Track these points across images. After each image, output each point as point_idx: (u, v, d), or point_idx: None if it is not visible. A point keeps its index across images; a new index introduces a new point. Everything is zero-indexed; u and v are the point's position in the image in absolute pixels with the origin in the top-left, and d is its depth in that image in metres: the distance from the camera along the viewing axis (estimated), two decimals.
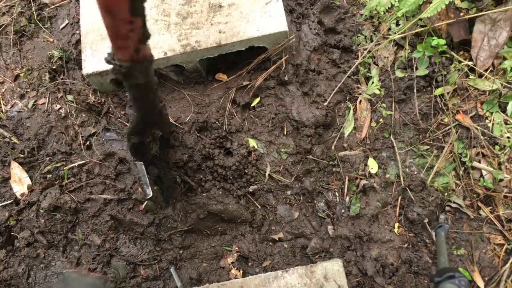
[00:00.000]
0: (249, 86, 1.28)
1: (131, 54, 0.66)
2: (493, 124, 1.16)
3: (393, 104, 1.25)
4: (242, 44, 1.17)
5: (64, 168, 1.26)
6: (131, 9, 0.57)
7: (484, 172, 1.14)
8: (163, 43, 1.19)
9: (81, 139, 1.29)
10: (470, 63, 1.19)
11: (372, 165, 1.21)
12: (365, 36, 1.32)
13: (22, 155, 1.29)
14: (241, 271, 1.18)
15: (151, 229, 1.21)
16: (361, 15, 1.34)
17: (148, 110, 0.88)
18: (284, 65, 1.25)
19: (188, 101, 1.31)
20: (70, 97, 1.35)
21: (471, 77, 1.19)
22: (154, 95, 0.84)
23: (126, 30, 0.61)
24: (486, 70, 1.18)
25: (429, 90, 1.23)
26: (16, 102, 1.38)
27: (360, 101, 1.27)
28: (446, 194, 1.16)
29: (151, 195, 1.02)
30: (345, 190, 1.20)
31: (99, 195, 1.23)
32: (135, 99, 0.83)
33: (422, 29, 1.22)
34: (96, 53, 1.23)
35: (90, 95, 1.32)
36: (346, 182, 1.21)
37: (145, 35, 0.65)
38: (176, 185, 1.20)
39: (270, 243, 1.21)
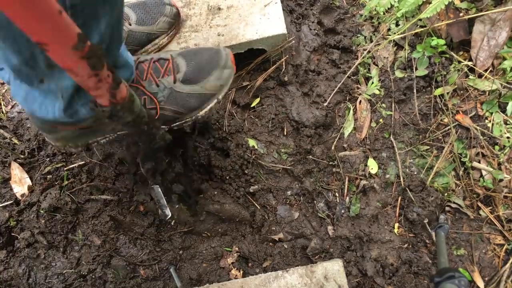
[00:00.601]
0: (248, 87, 1.28)
1: (108, 99, 0.67)
2: (492, 124, 1.17)
3: (393, 105, 1.25)
4: (241, 47, 1.17)
5: (65, 169, 1.26)
6: (90, 66, 0.58)
7: (484, 172, 1.14)
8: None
9: None
10: (469, 63, 1.19)
11: (372, 166, 1.21)
12: (365, 37, 1.32)
13: (22, 156, 1.29)
14: (241, 272, 1.18)
15: (151, 230, 1.21)
16: (361, 15, 1.34)
17: (149, 140, 0.88)
18: (283, 65, 1.25)
19: None
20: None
21: (470, 77, 1.19)
22: (149, 126, 0.84)
23: (93, 83, 0.62)
24: (485, 70, 1.18)
25: (429, 90, 1.23)
26: (16, 103, 1.38)
27: (360, 101, 1.27)
28: (446, 194, 1.16)
29: (170, 215, 1.02)
30: (345, 191, 1.21)
31: (99, 196, 1.23)
32: (132, 134, 0.83)
33: (422, 29, 1.22)
34: None
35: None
36: (346, 182, 1.21)
37: (116, 82, 0.66)
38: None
39: (270, 243, 1.21)
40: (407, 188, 1.17)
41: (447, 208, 1.15)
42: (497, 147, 1.15)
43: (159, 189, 1.00)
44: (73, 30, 0.52)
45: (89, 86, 0.63)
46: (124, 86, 0.70)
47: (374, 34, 1.31)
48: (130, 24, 1.10)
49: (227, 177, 1.20)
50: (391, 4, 1.24)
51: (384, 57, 1.28)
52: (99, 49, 0.59)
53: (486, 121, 1.18)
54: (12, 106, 1.38)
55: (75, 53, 0.54)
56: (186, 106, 0.95)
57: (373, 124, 1.25)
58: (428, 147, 1.21)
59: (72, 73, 0.59)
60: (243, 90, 1.29)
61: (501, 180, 1.12)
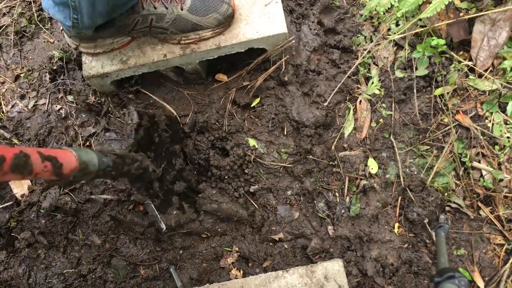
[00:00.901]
0: (249, 87, 1.28)
1: (57, 179, 0.71)
2: (493, 124, 1.17)
3: (393, 104, 1.25)
4: (241, 46, 1.17)
5: None
6: (18, 174, 0.62)
7: (484, 172, 1.14)
8: (162, 46, 1.19)
9: (81, 139, 1.29)
10: (470, 63, 1.19)
11: (372, 165, 1.21)
12: (365, 37, 1.32)
13: None
14: (241, 272, 1.18)
15: (151, 229, 1.21)
16: (361, 15, 1.34)
17: (126, 171, 0.91)
18: (284, 65, 1.25)
19: (188, 101, 1.31)
20: (70, 98, 1.35)
21: (470, 77, 1.19)
22: (118, 170, 0.87)
23: (32, 177, 0.65)
24: (486, 70, 1.18)
25: (429, 90, 1.23)
26: (16, 102, 1.38)
27: (360, 101, 1.27)
28: (446, 194, 1.16)
29: (164, 228, 1.07)
30: (345, 191, 1.21)
31: (99, 196, 1.23)
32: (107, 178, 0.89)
33: (422, 29, 1.22)
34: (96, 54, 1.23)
35: (90, 95, 1.33)
36: (346, 182, 1.21)
37: (56, 167, 0.69)
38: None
39: (270, 243, 1.21)
40: (407, 188, 1.17)
41: (447, 208, 1.15)
42: (497, 147, 1.15)
43: (152, 205, 1.05)
44: None
45: (31, 179, 0.65)
46: (72, 158, 0.73)
47: (374, 34, 1.31)
48: (181, 9, 1.09)
49: (226, 177, 1.21)
50: (391, 4, 1.24)
51: (384, 57, 1.28)
52: (22, 157, 0.61)
53: (486, 121, 1.18)
54: (12, 106, 1.38)
55: None
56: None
57: (373, 124, 1.25)
58: (428, 147, 1.21)
59: (8, 179, 0.61)
60: (243, 90, 1.29)
61: (501, 180, 1.12)
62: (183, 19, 1.10)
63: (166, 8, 1.09)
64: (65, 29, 1.14)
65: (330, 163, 1.23)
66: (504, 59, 1.17)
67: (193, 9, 1.10)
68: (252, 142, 1.25)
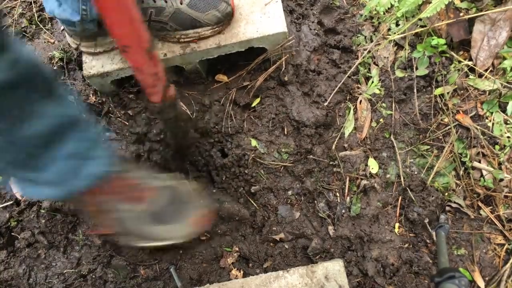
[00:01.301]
0: (249, 87, 1.28)
1: (160, 97, 0.81)
2: (493, 124, 1.17)
3: (393, 104, 1.25)
4: (241, 45, 1.18)
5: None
6: (155, 65, 0.73)
7: (484, 172, 1.14)
8: (162, 45, 1.19)
9: None
10: (470, 63, 1.20)
11: (373, 165, 1.21)
12: (365, 37, 1.32)
13: None
14: (242, 272, 1.18)
15: None
16: (361, 15, 1.34)
17: (181, 138, 1.03)
18: (284, 65, 1.25)
19: (188, 100, 1.31)
20: (71, 98, 1.35)
21: (471, 77, 1.20)
22: (184, 125, 0.99)
23: (153, 81, 0.76)
24: (486, 70, 1.19)
25: (429, 90, 1.23)
26: None
27: (360, 101, 1.27)
28: (446, 194, 1.16)
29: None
30: (346, 190, 1.20)
31: None
32: (169, 129, 1.00)
33: (422, 29, 1.22)
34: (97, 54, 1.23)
35: (91, 95, 1.33)
36: (347, 182, 1.21)
37: (169, 80, 0.80)
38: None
39: (271, 243, 1.21)
40: (407, 188, 1.17)
41: (447, 208, 1.15)
42: (497, 147, 1.15)
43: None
44: (148, 37, 0.66)
45: (149, 83, 0.76)
46: (173, 87, 0.83)
47: (374, 34, 1.32)
48: (181, 3, 1.10)
49: (227, 176, 1.20)
50: (391, 4, 1.24)
51: (384, 57, 1.28)
52: (154, 45, 0.76)
53: (487, 120, 1.18)
54: None
55: (146, 54, 0.68)
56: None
57: (374, 124, 1.25)
58: (429, 147, 1.21)
59: (140, 72, 0.72)
60: (243, 90, 1.29)
61: (501, 180, 1.12)
62: (182, 13, 1.10)
63: (166, 2, 1.10)
64: (68, 28, 1.14)
65: (331, 163, 1.23)
66: (504, 58, 1.17)
67: (192, 4, 1.11)
68: (253, 142, 1.25)
